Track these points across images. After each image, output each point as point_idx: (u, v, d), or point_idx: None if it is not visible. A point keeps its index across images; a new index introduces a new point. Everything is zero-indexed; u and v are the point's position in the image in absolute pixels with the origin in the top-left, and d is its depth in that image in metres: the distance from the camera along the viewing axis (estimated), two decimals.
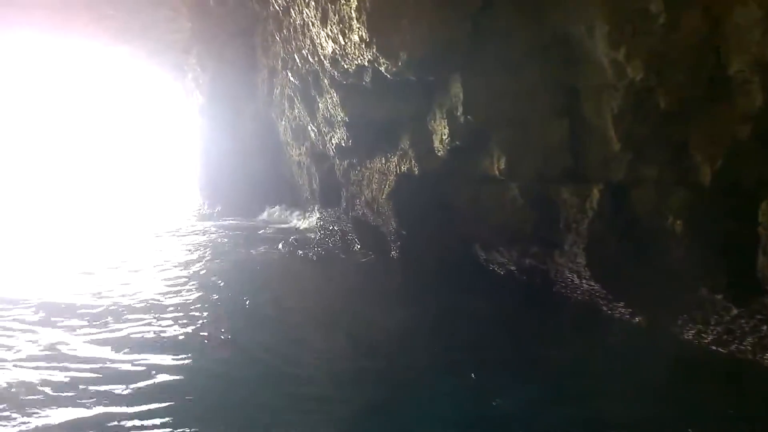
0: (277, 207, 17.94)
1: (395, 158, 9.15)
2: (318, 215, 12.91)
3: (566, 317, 7.00)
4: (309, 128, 11.13)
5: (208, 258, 10.45)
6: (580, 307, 7.11)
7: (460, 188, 8.62)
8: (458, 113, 7.21)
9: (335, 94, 8.72)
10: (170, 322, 6.80)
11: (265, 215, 17.57)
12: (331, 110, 9.27)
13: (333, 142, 10.12)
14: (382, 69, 6.61)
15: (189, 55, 26.88)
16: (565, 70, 6.57)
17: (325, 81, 8.85)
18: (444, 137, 7.64)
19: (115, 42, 25.17)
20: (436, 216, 9.19)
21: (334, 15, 7.06)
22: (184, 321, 6.82)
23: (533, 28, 6.27)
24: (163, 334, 6.32)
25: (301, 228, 14.31)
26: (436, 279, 8.85)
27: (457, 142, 7.52)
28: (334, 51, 7.55)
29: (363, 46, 6.57)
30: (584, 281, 6.92)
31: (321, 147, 11.24)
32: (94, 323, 6.68)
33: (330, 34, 7.36)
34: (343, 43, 7.15)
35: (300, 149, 14.92)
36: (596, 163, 6.68)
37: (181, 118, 30.12)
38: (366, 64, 6.78)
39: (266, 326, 6.67)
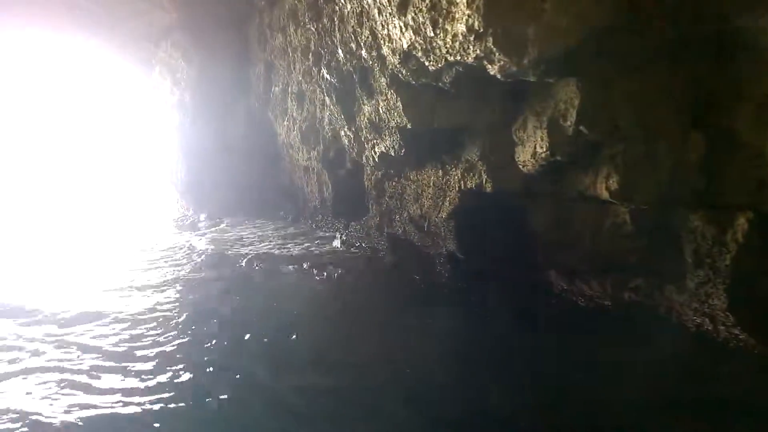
0: (276, 216, 16.37)
1: (457, 171, 7.85)
2: (343, 230, 11.46)
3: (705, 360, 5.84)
4: (342, 133, 9.67)
5: (227, 287, 8.90)
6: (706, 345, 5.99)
7: (542, 209, 7.40)
8: (567, 123, 5.96)
9: (395, 96, 7.34)
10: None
11: (261, 225, 15.95)
12: (383, 114, 7.88)
13: (376, 150, 8.73)
14: (494, 68, 5.29)
15: (158, 49, 25.11)
16: (714, 72, 5.42)
17: (383, 80, 7.46)
18: (539, 150, 6.38)
19: (84, 34, 23.36)
20: (503, 239, 7.94)
21: (423, 0, 5.70)
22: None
23: (689, 15, 5.07)
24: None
25: (315, 242, 12.85)
26: (502, 310, 7.61)
27: (558, 157, 6.28)
28: (412, 45, 6.17)
29: (471, 38, 5.23)
30: (722, 327, 5.79)
31: (355, 154, 9.81)
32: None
33: (412, 24, 5.99)
34: (431, 35, 5.79)
35: (310, 154, 13.43)
36: (744, 187, 5.56)
37: (151, 114, 28.15)
38: (470, 60, 5.44)
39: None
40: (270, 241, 12.42)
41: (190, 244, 12.78)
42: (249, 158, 17.38)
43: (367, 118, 8.40)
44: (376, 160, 8.86)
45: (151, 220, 19.05)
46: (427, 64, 6.22)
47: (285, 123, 14.77)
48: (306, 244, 11.55)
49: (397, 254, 9.72)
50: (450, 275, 8.75)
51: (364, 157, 9.46)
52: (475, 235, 8.03)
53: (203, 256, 11.14)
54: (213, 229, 15.18)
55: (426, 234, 8.81)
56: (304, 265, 10.04)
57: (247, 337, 6.73)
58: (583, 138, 6.03)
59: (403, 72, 6.82)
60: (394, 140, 8.06)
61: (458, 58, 5.59)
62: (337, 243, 11.05)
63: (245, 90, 17.35)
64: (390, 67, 7.07)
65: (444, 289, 8.60)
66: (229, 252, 11.18)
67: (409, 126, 7.36)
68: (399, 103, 7.34)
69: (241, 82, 17.48)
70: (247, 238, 13.00)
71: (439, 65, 6.05)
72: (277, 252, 11.66)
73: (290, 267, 10.01)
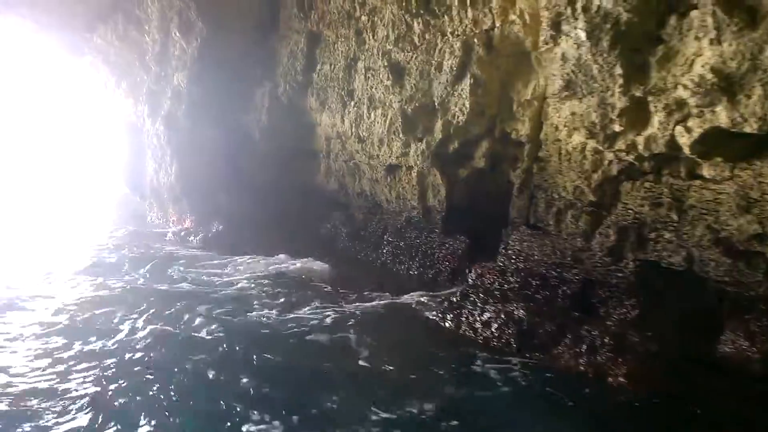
0: (316, 233, 11.91)
1: None
2: (507, 246, 7.44)
3: None
4: (593, 101, 5.78)
5: None
6: None
7: None
8: None
9: None
10: None
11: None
12: None
13: (691, 125, 4.98)
14: None
15: (94, 34, 20.03)
16: None
17: None
18: None
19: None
20: None
21: None
22: None
23: None
24: None
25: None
26: None
27: None
28: None
29: None
30: None
31: (601, 139, 5.96)
32: None
33: None
34: None
35: (407, 147, 9.30)
36: None
37: (98, 105, 22.69)
38: None
39: None
40: None
41: None
42: (272, 156, 12.82)
43: (710, 66, 4.62)
44: (689, 142, 5.08)
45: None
46: None
47: (352, 108, 10.51)
48: None
49: (650, 294, 5.98)
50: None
51: (635, 140, 5.65)
52: None
53: None
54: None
55: (756, 265, 5.15)
56: (439, 316, 6.01)
57: None
58: None
59: None
60: None
61: None
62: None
63: (269, 71, 12.80)
64: None
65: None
66: None
67: None
68: None
69: (263, 61, 12.91)
70: None
71: None
72: None
73: None
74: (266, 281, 9.07)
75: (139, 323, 6.67)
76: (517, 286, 7.12)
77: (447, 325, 6.59)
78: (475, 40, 7.86)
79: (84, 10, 18.04)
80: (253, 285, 8.79)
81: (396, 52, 9.39)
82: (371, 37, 10.01)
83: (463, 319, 6.41)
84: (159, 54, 15.33)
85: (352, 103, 10.53)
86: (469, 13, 7.86)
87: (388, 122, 9.59)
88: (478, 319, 6.22)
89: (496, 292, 7.08)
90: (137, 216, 16.33)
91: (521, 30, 7.29)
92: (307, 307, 7.75)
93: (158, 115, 15.01)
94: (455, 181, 8.95)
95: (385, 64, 9.52)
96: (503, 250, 7.65)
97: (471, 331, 6.26)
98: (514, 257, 7.25)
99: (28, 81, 26.17)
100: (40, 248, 11.70)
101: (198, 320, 6.88)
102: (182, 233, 12.29)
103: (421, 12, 8.73)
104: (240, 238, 11.82)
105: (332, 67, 11.13)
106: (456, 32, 8.16)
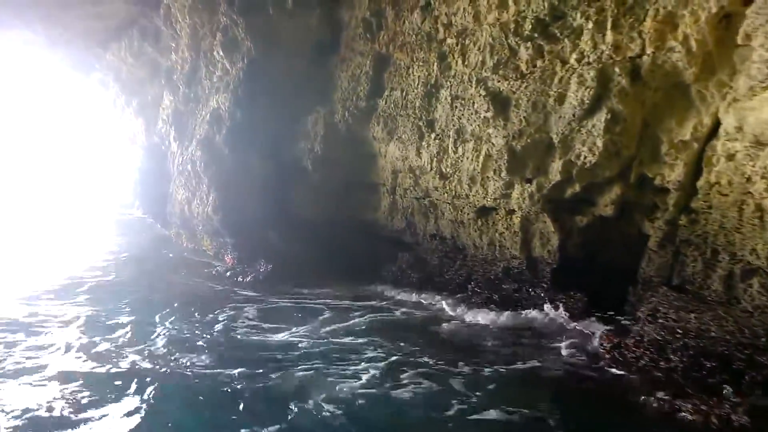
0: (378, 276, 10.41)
1: None
2: (656, 313, 6.03)
3: None
4: None
5: None
6: None
7: None
8: None
9: None
10: None
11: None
12: None
13: None
14: None
15: (106, 51, 18.91)
16: None
17: None
18: None
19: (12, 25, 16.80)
20: None
21: None
22: None
23: None
24: None
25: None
26: None
27: None
28: None
29: None
30: None
31: None
32: None
33: None
34: None
35: (511, 188, 7.95)
36: None
37: (105, 124, 21.50)
38: None
39: None
40: None
41: None
42: (326, 188, 11.38)
43: None
44: None
45: None
46: None
47: (433, 140, 9.16)
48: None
49: None
50: None
51: None
52: None
53: None
54: None
55: None
56: None
57: None
58: None
59: None
60: None
61: None
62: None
63: (325, 95, 11.45)
64: None
65: None
66: None
67: None
68: None
69: (318, 85, 11.56)
70: None
71: None
72: None
73: None
74: (348, 333, 7.61)
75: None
76: (681, 366, 5.72)
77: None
78: (616, 68, 6.61)
79: (100, 26, 16.94)
80: (344, 342, 7.26)
81: (496, 80, 8.11)
82: (460, 62, 8.75)
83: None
84: (189, 73, 14.03)
85: (433, 135, 9.20)
86: (609, 37, 6.61)
87: (482, 158, 8.25)
88: (671, 417, 4.81)
89: (659, 375, 5.71)
90: (160, 244, 14.74)
91: (682, 59, 6.07)
92: (420, 368, 6.27)
93: (189, 139, 13.62)
94: (570, 229, 7.62)
95: (482, 93, 8.22)
96: (649, 318, 6.27)
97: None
98: (679, 332, 5.85)
99: (34, 96, 25.01)
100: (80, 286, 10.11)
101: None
102: (228, 273, 10.76)
103: (534, 36, 7.48)
104: (293, 279, 10.34)
105: (404, 93, 9.84)
106: (587, 59, 6.89)
